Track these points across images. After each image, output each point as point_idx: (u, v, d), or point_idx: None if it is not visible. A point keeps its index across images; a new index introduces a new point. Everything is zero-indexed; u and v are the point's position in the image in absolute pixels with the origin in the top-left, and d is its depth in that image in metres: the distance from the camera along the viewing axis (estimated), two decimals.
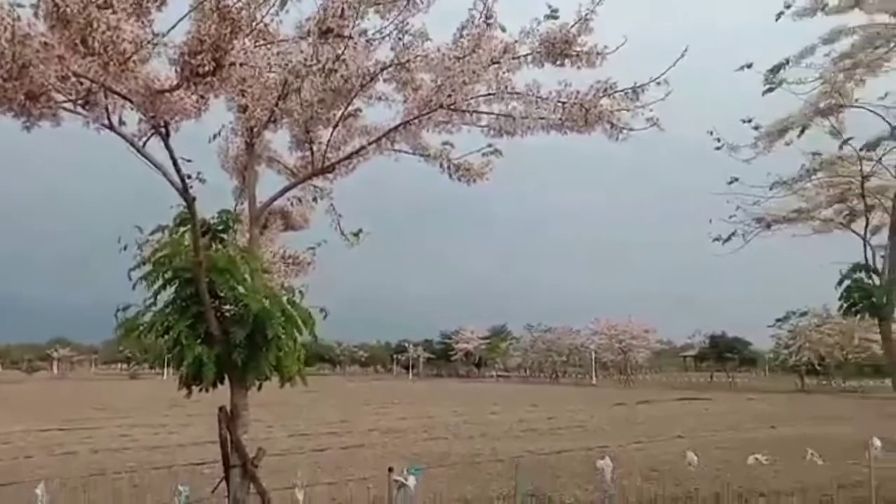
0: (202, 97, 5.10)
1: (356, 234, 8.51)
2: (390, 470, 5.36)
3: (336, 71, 5.01)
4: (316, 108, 6.15)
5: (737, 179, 11.79)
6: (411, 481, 5.23)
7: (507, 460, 15.37)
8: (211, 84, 4.73)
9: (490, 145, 6.62)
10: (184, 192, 5.65)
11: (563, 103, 5.60)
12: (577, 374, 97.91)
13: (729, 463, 13.15)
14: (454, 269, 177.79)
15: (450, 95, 5.81)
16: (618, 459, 15.35)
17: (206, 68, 4.53)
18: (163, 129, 5.18)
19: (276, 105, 6.00)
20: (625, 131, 5.63)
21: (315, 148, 6.85)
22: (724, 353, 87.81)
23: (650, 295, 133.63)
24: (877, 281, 11.40)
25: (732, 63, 11.16)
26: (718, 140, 11.50)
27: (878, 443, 8.17)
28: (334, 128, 6.67)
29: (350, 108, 6.68)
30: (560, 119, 5.87)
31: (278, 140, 7.39)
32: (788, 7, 10.56)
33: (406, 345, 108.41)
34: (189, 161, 5.68)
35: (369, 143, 6.51)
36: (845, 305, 11.66)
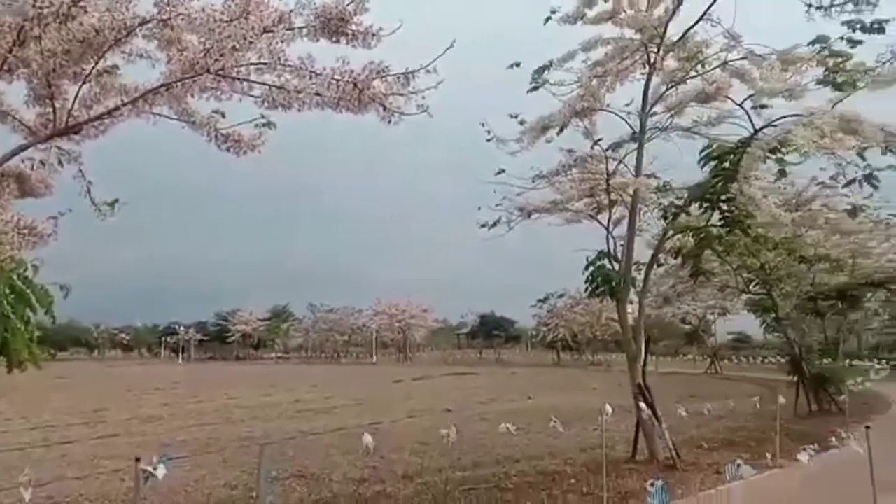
0: None
1: (111, 204, 7.75)
2: (137, 460, 4.95)
3: (74, 18, 4.44)
4: (60, 60, 5.45)
5: (503, 170, 12.63)
6: (160, 471, 4.88)
7: (279, 442, 15.10)
8: None
9: (263, 116, 6.40)
10: None
11: (338, 81, 5.56)
12: (359, 353, 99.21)
13: (490, 433, 14.11)
14: (234, 250, 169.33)
15: (217, 60, 5.49)
16: (391, 434, 15.94)
17: None
18: None
19: (10, 52, 5.23)
20: (396, 115, 5.72)
21: (59, 104, 6.07)
22: (492, 330, 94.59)
23: (430, 274, 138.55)
24: (616, 267, 12.89)
25: (509, 60, 11.90)
26: (489, 132, 12.22)
27: (609, 409, 9.26)
28: (83, 83, 5.97)
29: (104, 63, 6.03)
30: (335, 97, 5.82)
31: (13, 92, 6.43)
32: (554, 13, 11.46)
33: (176, 327, 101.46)
34: None
35: (124, 104, 5.92)
36: (590, 288, 13.03)
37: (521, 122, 12.08)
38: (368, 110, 5.78)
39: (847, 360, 28.75)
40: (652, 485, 5.95)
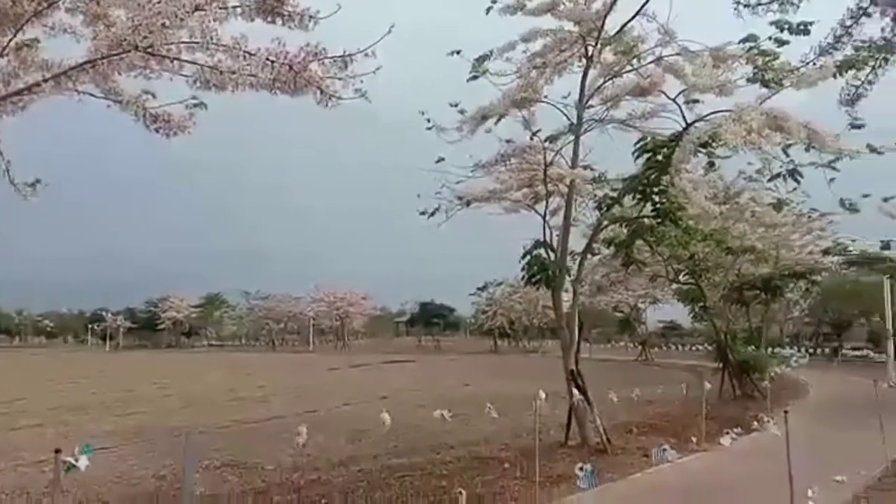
0: None
1: (32, 185, 7.39)
2: (58, 451, 4.77)
3: None
4: None
5: (443, 159, 12.63)
6: (83, 462, 4.71)
7: (211, 431, 14.80)
8: None
9: (194, 97, 6.20)
10: None
11: (273, 62, 5.42)
12: (295, 341, 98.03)
13: (427, 420, 14.15)
14: (165, 234, 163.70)
15: (146, 37, 5.28)
16: (327, 422, 15.82)
17: None
18: None
19: None
20: (334, 99, 5.63)
21: None
22: (431, 318, 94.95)
23: (371, 262, 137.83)
24: (552, 256, 13.10)
25: (450, 48, 11.86)
26: (429, 120, 12.19)
27: (543, 395, 9.37)
28: (0, 57, 5.65)
29: (22, 36, 5.73)
30: (270, 79, 5.68)
31: None
32: (495, 2, 11.47)
33: (103, 313, 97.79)
34: None
35: (45, 80, 5.63)
36: (527, 277, 13.21)
37: (461, 112, 12.10)
38: (305, 93, 5.66)
39: (769, 348, 30.05)
40: (581, 469, 6.14)
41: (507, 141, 12.71)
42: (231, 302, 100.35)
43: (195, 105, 6.16)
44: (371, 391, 24.77)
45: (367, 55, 5.25)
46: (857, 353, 48.05)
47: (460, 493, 5.36)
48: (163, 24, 5.25)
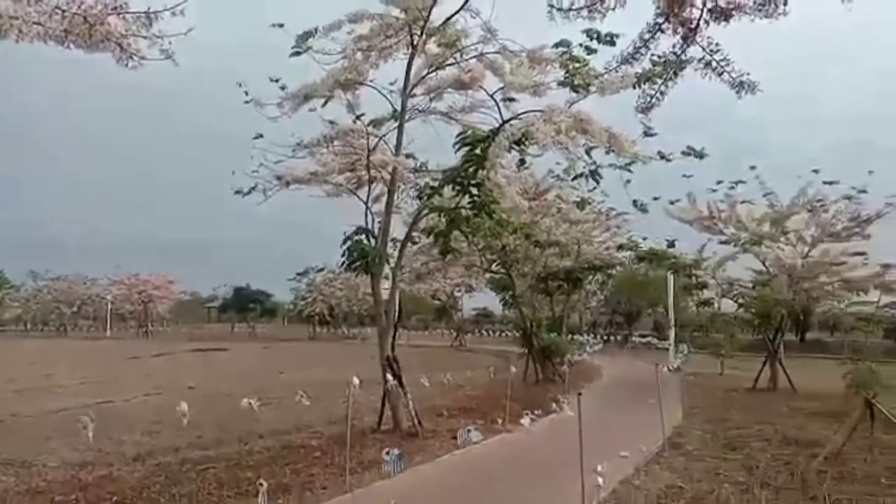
0: None
1: None
2: None
3: None
4: None
5: (261, 136, 12.13)
6: None
7: None
8: None
9: None
10: None
11: (63, 11, 4.82)
12: (91, 326, 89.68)
13: (236, 410, 13.56)
14: None
15: None
16: (123, 414, 14.65)
17: None
18: None
19: None
20: (136, 58, 5.13)
21: None
22: (246, 304, 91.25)
23: (178, 244, 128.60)
24: (373, 243, 13.09)
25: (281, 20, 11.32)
26: (247, 93, 11.62)
27: (357, 381, 9.36)
28: None
29: None
30: (61, 30, 5.06)
31: None
32: None
33: None
34: None
35: None
36: (347, 263, 13.09)
37: (282, 88, 11.67)
38: (103, 49, 5.10)
39: (569, 335, 32.35)
40: (388, 454, 6.21)
41: (331, 122, 12.48)
42: (15, 282, 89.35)
43: None
44: (175, 381, 23.25)
45: (174, 14, 4.83)
46: (643, 340, 53.35)
47: (261, 484, 5.18)
48: None
